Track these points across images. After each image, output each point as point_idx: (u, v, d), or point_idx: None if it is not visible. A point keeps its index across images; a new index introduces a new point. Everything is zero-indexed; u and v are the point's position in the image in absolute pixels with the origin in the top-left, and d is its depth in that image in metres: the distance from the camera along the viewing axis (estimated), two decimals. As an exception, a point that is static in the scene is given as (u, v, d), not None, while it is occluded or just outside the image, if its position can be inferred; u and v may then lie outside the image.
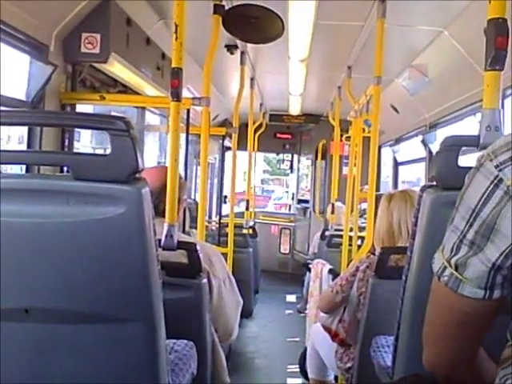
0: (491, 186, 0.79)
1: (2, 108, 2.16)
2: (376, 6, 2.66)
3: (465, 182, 0.85)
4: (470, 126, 3.54)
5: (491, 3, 1.33)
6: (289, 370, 3.87)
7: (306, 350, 3.08)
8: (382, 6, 2.61)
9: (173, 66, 1.79)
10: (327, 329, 2.40)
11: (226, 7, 2.65)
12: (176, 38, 1.79)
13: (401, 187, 5.66)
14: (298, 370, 3.48)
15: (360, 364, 2.08)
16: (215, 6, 2.57)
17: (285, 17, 2.87)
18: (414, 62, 3.78)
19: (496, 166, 0.79)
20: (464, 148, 1.35)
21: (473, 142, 1.35)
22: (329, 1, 2.75)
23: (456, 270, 0.82)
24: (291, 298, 6.34)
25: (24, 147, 2.48)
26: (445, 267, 0.84)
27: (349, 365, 2.24)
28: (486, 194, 0.79)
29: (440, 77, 3.63)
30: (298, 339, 4.53)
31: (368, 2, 2.76)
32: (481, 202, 0.80)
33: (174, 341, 1.61)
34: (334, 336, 2.35)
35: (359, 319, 2.13)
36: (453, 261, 0.82)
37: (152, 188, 1.65)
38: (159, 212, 1.76)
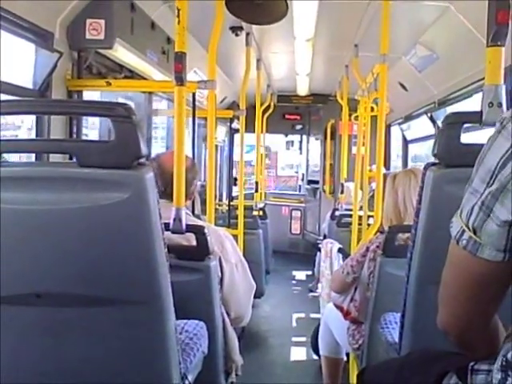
0: None
1: (11, 97, 2.19)
2: (381, -18, 2.63)
3: (486, 144, 0.82)
4: (479, 103, 3.50)
5: None
6: (300, 347, 3.93)
7: (317, 328, 3.11)
8: (387, -18, 2.59)
9: (176, 50, 1.79)
10: (339, 307, 2.43)
11: (229, -12, 2.63)
12: (178, 22, 1.79)
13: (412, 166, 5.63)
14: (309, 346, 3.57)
15: (370, 341, 2.10)
16: (218, -13, 2.56)
17: (289, -4, 2.84)
18: (421, 38, 3.73)
19: None
20: (467, 125, 1.35)
21: (475, 119, 1.34)
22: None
23: (474, 233, 0.80)
24: (301, 275, 6.41)
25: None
26: (463, 231, 0.82)
27: (360, 341, 2.26)
28: (506, 155, 0.76)
29: (448, 53, 3.59)
30: (308, 316, 4.64)
31: (373, -22, 2.73)
32: (500, 164, 0.77)
33: (185, 321, 1.64)
34: (345, 314, 2.38)
35: (369, 298, 2.15)
36: (470, 224, 0.81)
37: (169, 172, 1.72)
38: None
